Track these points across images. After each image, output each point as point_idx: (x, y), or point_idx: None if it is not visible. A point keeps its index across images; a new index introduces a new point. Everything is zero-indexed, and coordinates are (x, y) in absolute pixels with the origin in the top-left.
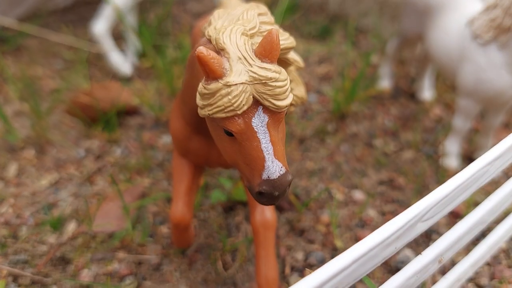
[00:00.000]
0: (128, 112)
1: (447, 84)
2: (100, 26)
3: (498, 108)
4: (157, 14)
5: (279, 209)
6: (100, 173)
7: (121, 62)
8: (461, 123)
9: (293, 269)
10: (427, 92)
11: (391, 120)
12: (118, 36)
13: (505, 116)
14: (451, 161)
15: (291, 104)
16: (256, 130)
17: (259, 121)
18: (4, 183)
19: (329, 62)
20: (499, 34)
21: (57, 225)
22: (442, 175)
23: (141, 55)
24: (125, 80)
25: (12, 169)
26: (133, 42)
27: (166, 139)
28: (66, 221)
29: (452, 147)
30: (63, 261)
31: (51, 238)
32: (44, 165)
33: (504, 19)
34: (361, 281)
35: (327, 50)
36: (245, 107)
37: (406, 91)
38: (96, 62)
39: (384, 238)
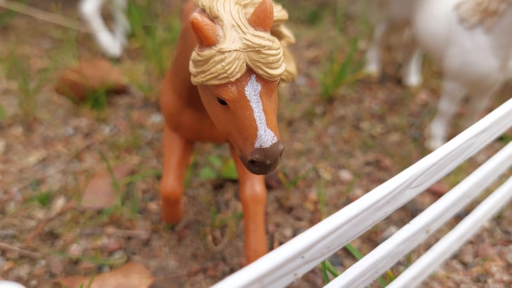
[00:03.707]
0: (117, 91)
1: (433, 70)
2: (90, 5)
3: (483, 92)
4: None
5: (268, 187)
6: (88, 151)
7: (110, 42)
8: (447, 106)
9: (281, 245)
10: (413, 78)
11: (378, 104)
12: (107, 17)
13: (488, 101)
14: (437, 143)
15: (281, 80)
16: (249, 99)
17: (252, 90)
18: None
19: (317, 47)
20: (485, 17)
21: (45, 200)
22: None
23: (130, 35)
24: (114, 60)
25: (0, 147)
26: (122, 22)
27: (154, 119)
28: (54, 197)
29: (437, 130)
30: (52, 236)
31: (40, 214)
32: (31, 143)
33: (490, 3)
34: (348, 252)
35: (315, 35)
36: (238, 75)
37: (392, 76)
38: (85, 42)
39: (374, 201)
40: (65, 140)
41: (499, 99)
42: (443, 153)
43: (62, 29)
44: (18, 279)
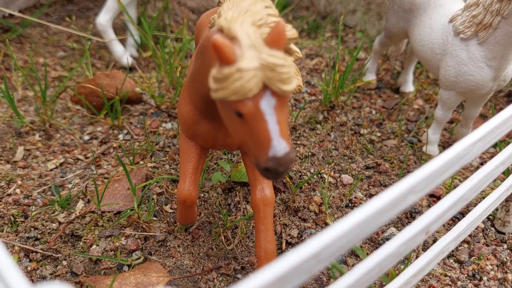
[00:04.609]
0: (131, 99)
1: (430, 78)
2: (102, 17)
3: (477, 100)
4: (156, 8)
5: (275, 191)
6: (104, 157)
7: (122, 52)
8: (443, 114)
9: (289, 245)
10: (411, 86)
11: (376, 111)
12: (118, 27)
13: (482, 109)
14: (433, 148)
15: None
16: (264, 112)
17: (267, 104)
18: (11, 165)
19: (318, 56)
20: (480, 30)
21: (65, 204)
22: (425, 161)
23: (141, 45)
24: (126, 69)
25: (18, 153)
26: (133, 33)
27: (166, 126)
28: (73, 201)
29: (434, 136)
30: (73, 238)
31: (60, 217)
32: (49, 149)
33: (485, 16)
34: (351, 252)
35: (316, 45)
36: (255, 91)
37: (390, 84)
38: (96, 52)
39: (381, 206)
40: (81, 147)
41: (493, 106)
42: (442, 161)
43: (75, 40)
44: (42, 279)
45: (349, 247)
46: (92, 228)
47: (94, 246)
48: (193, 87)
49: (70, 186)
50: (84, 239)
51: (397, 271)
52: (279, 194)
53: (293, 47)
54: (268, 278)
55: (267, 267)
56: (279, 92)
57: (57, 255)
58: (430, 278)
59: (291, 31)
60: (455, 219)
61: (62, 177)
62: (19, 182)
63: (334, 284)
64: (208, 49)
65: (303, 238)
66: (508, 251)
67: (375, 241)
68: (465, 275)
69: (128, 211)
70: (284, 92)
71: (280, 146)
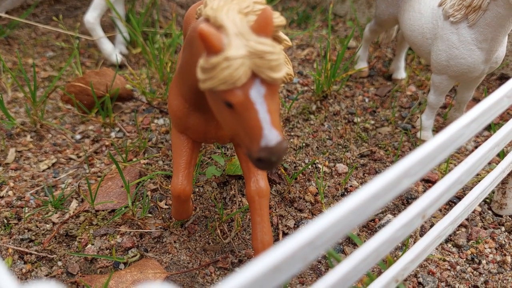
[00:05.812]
0: (122, 97)
1: (422, 64)
2: (90, 15)
3: (470, 84)
4: (144, 3)
5: (270, 182)
6: (97, 156)
7: (111, 49)
8: (435, 98)
9: (286, 235)
10: (403, 72)
11: (369, 99)
12: (107, 26)
13: (475, 92)
14: (428, 134)
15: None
16: (254, 101)
17: (256, 93)
18: (3, 168)
19: (309, 46)
20: (469, 12)
21: (59, 204)
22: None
23: (130, 42)
24: (116, 66)
25: (10, 155)
26: (122, 30)
27: (158, 122)
28: (67, 200)
29: (427, 121)
30: (67, 238)
31: (54, 217)
32: (41, 150)
33: None
34: (348, 241)
35: (306, 35)
36: (244, 80)
37: (382, 72)
38: (85, 51)
39: (375, 191)
40: (73, 146)
41: (486, 90)
42: (436, 143)
43: (64, 39)
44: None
45: (344, 233)
46: (87, 227)
47: (89, 245)
48: (182, 80)
49: (63, 186)
50: (79, 238)
51: (395, 258)
52: (274, 185)
53: (282, 35)
54: (264, 267)
55: (262, 256)
56: (268, 80)
57: (52, 256)
58: (429, 264)
59: (278, 18)
60: (451, 204)
61: (54, 177)
62: (12, 184)
63: (331, 272)
64: (195, 40)
65: (300, 228)
66: (506, 233)
67: (372, 229)
68: (464, 259)
69: (123, 208)
70: (273, 80)
71: (271, 135)
